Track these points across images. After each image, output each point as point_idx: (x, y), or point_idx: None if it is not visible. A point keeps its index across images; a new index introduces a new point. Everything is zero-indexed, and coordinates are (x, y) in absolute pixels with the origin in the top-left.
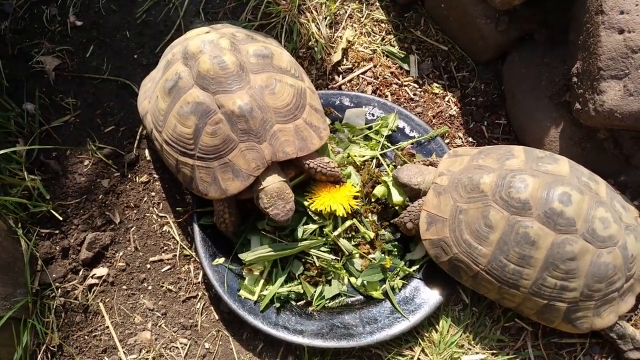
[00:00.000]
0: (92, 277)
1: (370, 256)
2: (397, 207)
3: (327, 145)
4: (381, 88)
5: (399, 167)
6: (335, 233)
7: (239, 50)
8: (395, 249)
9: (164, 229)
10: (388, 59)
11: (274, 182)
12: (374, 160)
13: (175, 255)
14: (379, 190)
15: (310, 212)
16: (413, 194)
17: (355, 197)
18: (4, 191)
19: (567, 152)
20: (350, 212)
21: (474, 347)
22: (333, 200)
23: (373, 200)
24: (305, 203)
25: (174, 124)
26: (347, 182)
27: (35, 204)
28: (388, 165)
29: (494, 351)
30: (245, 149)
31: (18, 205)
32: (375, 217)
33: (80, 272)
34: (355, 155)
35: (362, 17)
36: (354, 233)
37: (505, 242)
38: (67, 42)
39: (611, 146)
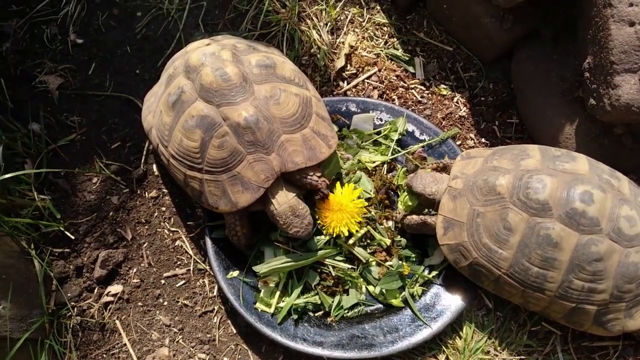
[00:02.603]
0: (107, 294)
1: (387, 263)
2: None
3: (337, 153)
4: (387, 92)
5: (412, 175)
6: (350, 242)
7: (241, 61)
8: (413, 255)
9: (176, 244)
10: (392, 62)
11: (285, 203)
12: (385, 166)
13: (189, 269)
14: (402, 207)
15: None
16: (428, 202)
17: (365, 199)
18: (14, 212)
19: (584, 148)
20: (358, 228)
21: (500, 353)
22: (337, 220)
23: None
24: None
25: (179, 138)
26: (347, 186)
27: (47, 224)
28: (399, 171)
29: (522, 357)
30: (254, 161)
31: (29, 225)
32: (390, 224)
33: (95, 290)
34: (366, 161)
35: (364, 21)
36: (369, 241)
37: (526, 245)
38: (69, 61)
39: (629, 141)
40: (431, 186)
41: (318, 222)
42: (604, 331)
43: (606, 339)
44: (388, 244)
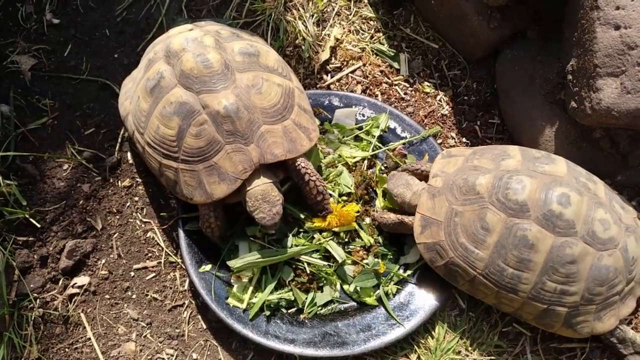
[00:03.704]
0: (72, 286)
1: (363, 261)
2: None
3: (317, 147)
4: (371, 87)
5: (392, 172)
6: (329, 240)
7: (224, 48)
8: (389, 253)
9: (148, 235)
10: (377, 57)
11: (258, 185)
12: (365, 162)
13: (160, 262)
14: (380, 203)
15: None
16: (397, 203)
17: (345, 194)
18: None
19: (563, 151)
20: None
21: (471, 353)
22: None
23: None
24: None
25: (156, 125)
26: (349, 206)
27: (11, 211)
28: (377, 168)
29: (492, 357)
30: (232, 151)
31: None
32: (368, 220)
33: (60, 282)
34: (346, 156)
35: (350, 14)
36: (351, 239)
37: (503, 246)
38: (44, 41)
39: (607, 145)
40: (399, 188)
41: (310, 225)
42: (573, 333)
43: (574, 341)
44: (371, 242)
